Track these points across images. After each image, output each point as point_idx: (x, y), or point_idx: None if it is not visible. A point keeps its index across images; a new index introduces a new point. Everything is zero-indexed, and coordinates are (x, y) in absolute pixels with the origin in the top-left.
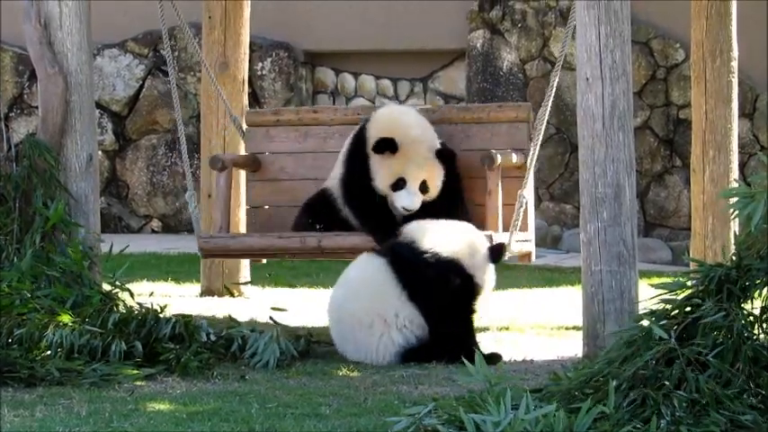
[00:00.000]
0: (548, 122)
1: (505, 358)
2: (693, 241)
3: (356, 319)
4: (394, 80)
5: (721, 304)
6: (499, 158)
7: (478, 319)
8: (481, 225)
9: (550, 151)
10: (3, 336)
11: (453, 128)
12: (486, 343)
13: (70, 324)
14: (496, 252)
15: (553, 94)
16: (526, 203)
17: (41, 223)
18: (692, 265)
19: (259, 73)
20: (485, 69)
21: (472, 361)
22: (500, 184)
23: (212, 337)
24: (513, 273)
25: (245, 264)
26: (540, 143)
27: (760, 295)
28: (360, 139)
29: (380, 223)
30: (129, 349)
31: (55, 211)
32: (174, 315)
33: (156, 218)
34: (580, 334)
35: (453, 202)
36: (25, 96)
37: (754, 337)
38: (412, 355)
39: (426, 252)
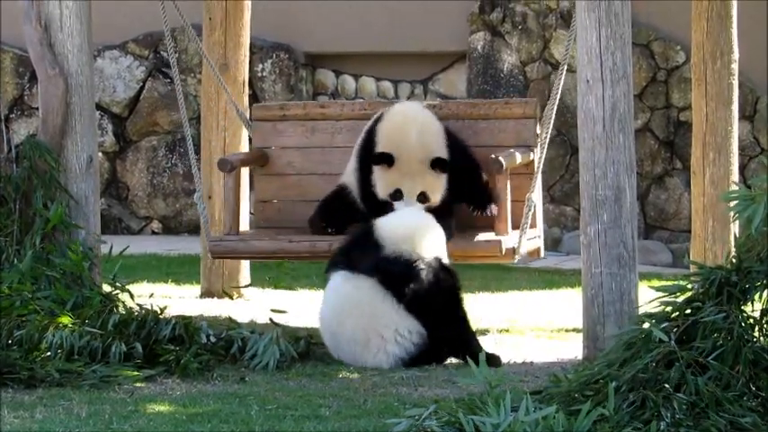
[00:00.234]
0: None
1: (505, 360)
2: (693, 243)
3: (353, 339)
4: (394, 82)
5: (721, 307)
6: (506, 163)
7: (478, 321)
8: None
9: (551, 153)
10: (3, 337)
11: (461, 124)
12: (486, 345)
13: (70, 325)
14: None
15: (558, 97)
16: (534, 206)
17: (42, 224)
18: (693, 268)
19: (259, 74)
20: (485, 71)
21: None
22: (509, 188)
23: (212, 339)
24: (513, 275)
25: (245, 265)
26: (546, 145)
27: (760, 298)
28: (370, 138)
29: None
30: (129, 351)
31: (55, 213)
32: (174, 316)
33: (157, 219)
34: (580, 336)
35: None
36: (26, 98)
37: (754, 340)
38: (412, 363)
39: (413, 260)
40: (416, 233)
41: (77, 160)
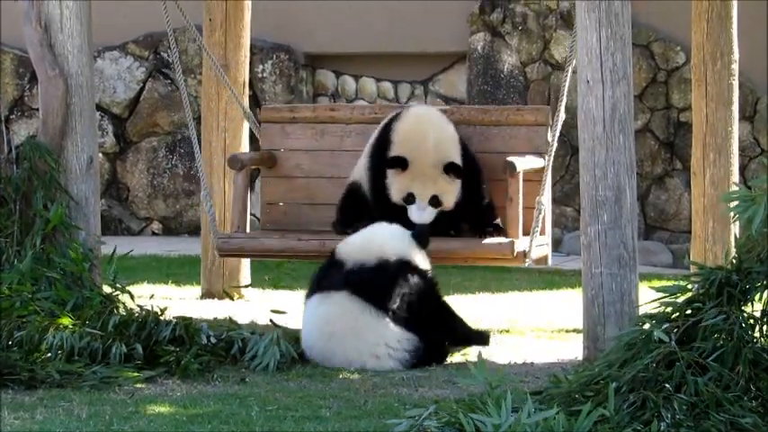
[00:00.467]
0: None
1: (506, 361)
2: (694, 244)
3: (347, 360)
4: (395, 83)
5: (721, 307)
6: (519, 166)
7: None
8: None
9: None
10: (3, 338)
11: (472, 130)
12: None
13: (70, 326)
14: (421, 237)
15: (565, 100)
16: (544, 210)
17: (42, 225)
18: (693, 268)
19: (260, 75)
20: (485, 72)
21: (470, 340)
22: (521, 191)
23: (212, 340)
24: (514, 275)
25: (245, 266)
26: (554, 150)
27: (760, 298)
28: (386, 138)
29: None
30: (129, 352)
31: (55, 214)
32: (174, 317)
33: (157, 220)
34: (580, 337)
35: (477, 209)
36: (26, 98)
37: (755, 340)
38: (414, 366)
39: (375, 266)
40: (372, 242)
41: (77, 161)
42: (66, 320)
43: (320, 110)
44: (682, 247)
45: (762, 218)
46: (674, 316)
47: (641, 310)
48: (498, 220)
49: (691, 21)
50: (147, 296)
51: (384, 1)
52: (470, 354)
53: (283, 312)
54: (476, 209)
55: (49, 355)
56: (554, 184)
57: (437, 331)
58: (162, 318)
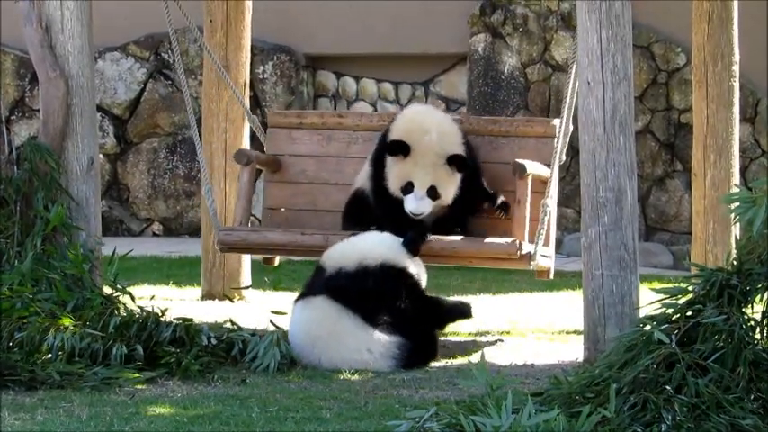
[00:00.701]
0: None
1: (506, 362)
2: (694, 245)
3: (332, 364)
4: (395, 84)
5: (722, 309)
6: (529, 168)
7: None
8: (507, 236)
9: None
10: (4, 339)
11: (480, 139)
12: (486, 347)
13: (71, 327)
14: (411, 244)
15: (573, 104)
16: (550, 212)
17: (42, 226)
18: (693, 270)
19: (260, 77)
20: (486, 73)
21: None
22: (528, 195)
23: (213, 341)
24: (514, 277)
25: (245, 267)
26: (561, 154)
27: (761, 300)
28: (386, 136)
29: (395, 225)
30: (129, 353)
31: (56, 215)
32: (174, 318)
33: (157, 221)
34: (581, 338)
35: (468, 208)
36: (26, 99)
37: (755, 342)
38: (410, 364)
39: (353, 271)
40: (356, 248)
41: (78, 162)
42: (66, 321)
43: (328, 116)
44: (682, 248)
45: (762, 219)
46: (674, 317)
47: (642, 312)
48: (503, 198)
49: (691, 22)
50: (148, 297)
51: (385, 2)
52: (472, 355)
53: (283, 313)
54: (480, 201)
55: (50, 355)
56: None
57: (423, 326)
58: (162, 319)
